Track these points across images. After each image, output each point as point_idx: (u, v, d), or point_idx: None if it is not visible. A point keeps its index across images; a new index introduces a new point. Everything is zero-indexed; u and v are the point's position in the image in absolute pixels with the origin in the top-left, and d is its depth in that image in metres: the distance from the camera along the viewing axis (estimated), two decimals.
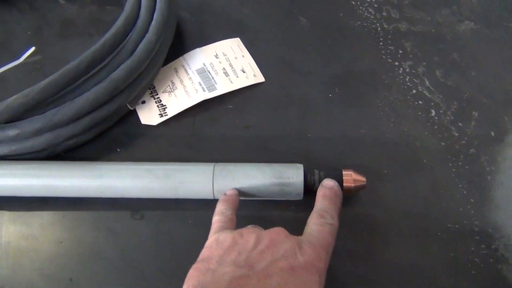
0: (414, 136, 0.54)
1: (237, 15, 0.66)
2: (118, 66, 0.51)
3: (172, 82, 0.58)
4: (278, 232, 0.38)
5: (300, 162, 0.47)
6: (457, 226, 0.48)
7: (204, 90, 0.56)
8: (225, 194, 0.45)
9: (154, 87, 0.58)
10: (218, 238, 0.39)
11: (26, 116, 0.48)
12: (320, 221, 0.40)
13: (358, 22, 0.65)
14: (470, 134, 0.54)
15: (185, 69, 0.59)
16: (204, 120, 0.56)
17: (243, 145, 0.54)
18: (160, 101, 0.56)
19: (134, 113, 0.56)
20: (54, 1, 0.68)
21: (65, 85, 0.48)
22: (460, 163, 0.52)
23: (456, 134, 0.54)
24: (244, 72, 0.59)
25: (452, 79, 0.59)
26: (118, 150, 0.53)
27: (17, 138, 0.48)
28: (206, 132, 0.55)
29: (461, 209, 0.49)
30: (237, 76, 0.58)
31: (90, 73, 0.50)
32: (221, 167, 0.47)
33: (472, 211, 0.49)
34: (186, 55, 0.61)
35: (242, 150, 0.53)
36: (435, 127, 0.55)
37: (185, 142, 0.54)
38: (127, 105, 0.53)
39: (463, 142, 0.53)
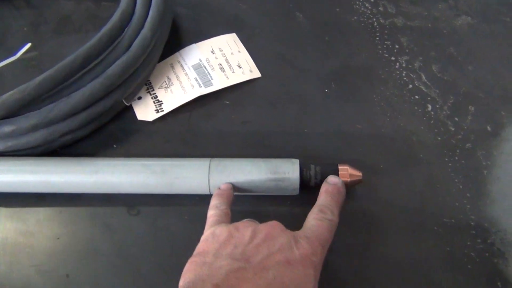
0: (411, 131, 0.54)
1: (233, 11, 0.66)
2: (113, 62, 0.51)
3: (168, 78, 0.58)
4: (274, 226, 0.38)
5: (296, 158, 0.47)
6: (453, 220, 0.48)
7: (200, 86, 0.56)
8: (219, 189, 0.45)
9: (150, 83, 0.57)
10: (214, 232, 0.39)
11: (22, 112, 0.48)
12: (320, 216, 0.40)
13: (355, 17, 0.65)
14: (467, 128, 0.54)
15: (181, 64, 0.59)
16: (200, 115, 0.56)
17: (239, 141, 0.54)
18: (156, 97, 0.56)
19: (130, 109, 0.56)
20: None
21: (60, 80, 0.48)
22: (456, 158, 0.52)
23: (453, 129, 0.54)
24: (240, 67, 0.59)
25: (448, 74, 0.59)
26: (115, 146, 0.53)
27: (13, 134, 0.48)
28: (202, 127, 0.55)
29: (457, 204, 0.49)
30: (233, 72, 0.58)
31: (86, 69, 0.50)
32: (216, 163, 0.47)
33: (468, 206, 0.49)
34: (182, 51, 0.61)
35: (239, 145, 0.53)
36: (432, 121, 0.55)
37: (181, 137, 0.54)
38: (123, 101, 0.53)
39: (460, 136, 0.53)
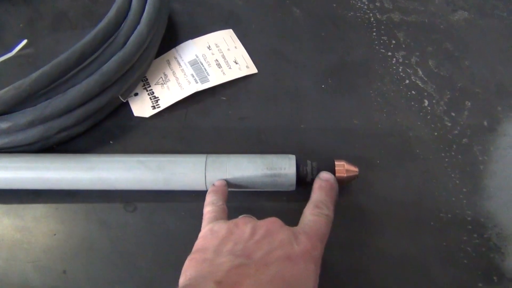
0: (407, 126, 0.54)
1: (229, 7, 0.66)
2: (109, 58, 0.51)
3: (165, 74, 0.58)
4: (273, 222, 0.38)
5: (293, 153, 0.47)
6: (449, 215, 0.48)
7: (196, 82, 0.56)
8: (213, 185, 0.45)
9: (147, 79, 0.57)
10: (213, 228, 0.39)
11: (18, 108, 0.48)
12: (316, 211, 0.41)
13: (351, 13, 0.65)
14: (463, 124, 0.54)
15: (177, 61, 0.59)
16: (196, 112, 0.56)
17: (236, 137, 0.54)
18: (153, 93, 0.56)
19: (126, 105, 0.56)
20: None
21: (56, 77, 0.48)
22: (452, 153, 0.52)
23: (449, 124, 0.54)
24: (236, 63, 0.59)
25: (445, 69, 0.59)
26: (111, 142, 0.53)
27: (9, 131, 0.48)
28: (199, 124, 0.55)
29: (453, 199, 0.49)
30: (230, 68, 0.58)
31: (82, 65, 0.50)
32: (213, 159, 0.47)
33: (465, 201, 0.49)
34: (179, 47, 0.60)
35: (235, 142, 0.53)
36: (428, 117, 0.55)
37: (178, 134, 0.54)
38: (120, 97, 0.53)
39: (456, 132, 0.54)
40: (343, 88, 0.57)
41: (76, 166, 0.47)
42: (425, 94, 0.57)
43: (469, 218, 0.48)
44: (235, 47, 0.61)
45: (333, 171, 0.46)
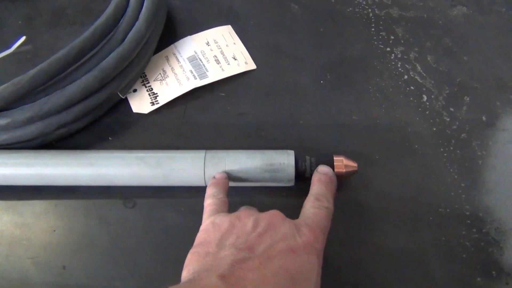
0: (406, 122, 0.54)
1: (228, 3, 0.66)
2: (108, 55, 0.51)
3: (164, 70, 0.58)
4: (275, 215, 0.38)
5: (292, 149, 0.48)
6: (448, 210, 0.48)
7: (195, 78, 0.56)
8: (214, 178, 0.45)
9: (146, 75, 0.57)
10: (214, 221, 0.39)
11: (17, 105, 0.48)
12: (317, 204, 0.41)
13: (350, 8, 0.65)
14: (462, 119, 0.54)
15: (176, 57, 0.59)
16: (195, 108, 0.56)
17: (234, 133, 0.54)
18: (152, 89, 0.56)
19: (125, 102, 0.56)
20: None
21: (55, 73, 0.48)
22: (451, 148, 0.52)
23: (448, 119, 0.54)
24: (235, 59, 0.59)
25: (444, 65, 0.59)
26: (110, 138, 0.53)
27: (8, 127, 0.48)
28: (198, 120, 0.55)
29: (452, 194, 0.49)
30: (229, 64, 0.58)
31: (80, 62, 0.50)
32: (212, 154, 0.47)
33: (464, 196, 0.49)
34: (177, 43, 0.60)
35: (234, 137, 0.53)
36: (427, 112, 0.55)
37: (177, 130, 0.54)
38: (118, 93, 0.53)
39: (455, 127, 0.54)
40: (342, 84, 0.57)
41: (75, 162, 0.47)
42: (424, 89, 0.57)
43: (467, 213, 0.48)
44: (234, 43, 0.61)
45: (332, 167, 0.46)
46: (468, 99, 0.56)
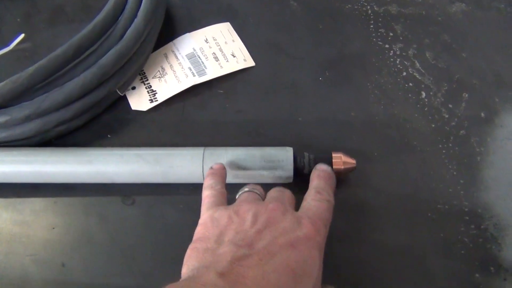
0: (404, 118, 0.54)
1: (227, 0, 0.66)
2: (107, 52, 0.51)
3: (162, 68, 0.58)
4: (275, 209, 0.37)
5: (290, 146, 0.48)
6: (446, 206, 0.48)
7: (194, 75, 0.56)
8: (211, 168, 0.45)
9: (144, 72, 0.57)
10: (213, 215, 0.38)
11: (15, 102, 0.48)
12: (318, 197, 0.40)
13: (349, 5, 0.65)
14: (460, 115, 0.54)
15: (175, 54, 0.59)
16: (194, 105, 0.56)
17: (233, 130, 0.54)
18: (150, 86, 0.56)
19: (124, 99, 0.56)
20: None
21: (53, 70, 0.48)
22: (450, 145, 0.52)
23: (446, 116, 0.54)
24: (234, 56, 0.59)
25: (442, 61, 0.59)
26: (109, 136, 0.53)
27: (7, 125, 0.48)
28: (196, 117, 0.55)
29: (450, 190, 0.49)
30: (227, 61, 0.58)
31: (79, 59, 0.50)
32: (210, 151, 0.47)
33: (462, 192, 0.49)
34: (176, 40, 0.60)
35: (233, 135, 0.53)
36: (426, 109, 0.55)
37: (176, 127, 0.54)
38: (117, 91, 0.53)
39: (453, 123, 0.54)
40: (341, 81, 0.57)
41: (74, 159, 0.48)
42: (423, 86, 0.57)
43: (466, 209, 0.48)
44: (233, 40, 0.61)
45: (330, 163, 0.46)
46: (466, 95, 0.56)
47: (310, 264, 0.35)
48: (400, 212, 0.48)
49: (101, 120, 0.55)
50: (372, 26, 0.63)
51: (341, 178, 0.47)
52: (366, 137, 0.53)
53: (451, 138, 0.52)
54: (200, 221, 0.39)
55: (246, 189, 0.43)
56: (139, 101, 0.55)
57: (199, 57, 0.58)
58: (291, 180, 0.47)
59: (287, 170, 0.46)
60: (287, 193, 0.42)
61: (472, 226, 0.47)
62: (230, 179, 0.46)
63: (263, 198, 0.42)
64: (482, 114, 0.54)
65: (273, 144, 0.48)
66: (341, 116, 0.54)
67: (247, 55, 0.59)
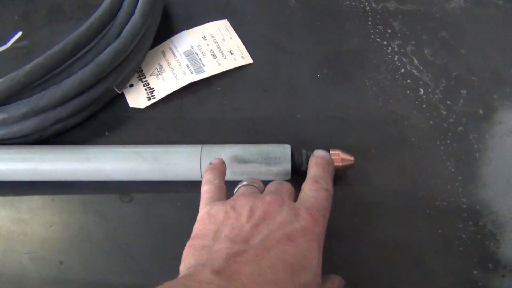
0: (402, 115, 0.54)
1: None
2: (104, 49, 0.51)
3: (160, 65, 0.58)
4: (272, 202, 0.37)
5: (288, 143, 0.48)
6: (444, 203, 0.48)
7: (191, 73, 0.56)
8: (210, 163, 0.44)
9: (142, 70, 0.57)
10: (210, 212, 0.38)
11: (12, 100, 0.48)
12: (315, 186, 0.40)
13: (347, 2, 0.65)
14: (459, 112, 0.54)
15: (172, 51, 0.59)
16: (192, 102, 0.56)
17: (231, 127, 0.54)
18: (148, 84, 0.56)
19: (122, 97, 0.56)
20: None
21: (50, 68, 0.48)
22: (448, 141, 0.52)
23: (445, 113, 0.54)
24: (232, 53, 0.59)
25: (441, 58, 0.59)
26: (107, 133, 0.53)
27: (4, 123, 0.48)
28: (194, 114, 0.55)
29: (449, 187, 0.49)
30: (225, 58, 0.58)
31: (76, 56, 0.50)
32: (208, 149, 0.47)
33: (460, 189, 0.49)
34: (174, 38, 0.60)
35: (231, 132, 0.53)
36: (424, 105, 0.55)
37: (173, 124, 0.54)
38: (115, 88, 0.53)
39: (451, 120, 0.54)
40: (339, 78, 0.57)
41: (72, 157, 0.48)
42: (421, 82, 0.57)
43: (464, 206, 0.48)
44: (230, 38, 0.61)
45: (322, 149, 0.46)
46: (465, 92, 0.56)
47: (308, 257, 0.34)
48: (398, 209, 0.48)
49: (98, 118, 0.55)
50: (370, 23, 0.63)
51: (339, 175, 0.47)
52: (364, 134, 0.53)
53: (449, 134, 0.52)
54: (198, 217, 0.39)
55: (245, 182, 0.42)
56: (137, 98, 0.55)
57: (197, 55, 0.58)
58: (289, 177, 0.47)
59: (285, 167, 0.46)
60: (286, 186, 0.41)
61: (470, 223, 0.47)
62: (228, 176, 0.46)
63: (262, 192, 0.41)
64: (481, 111, 0.54)
65: (271, 141, 0.48)
66: (339, 113, 0.54)
67: (245, 52, 0.59)
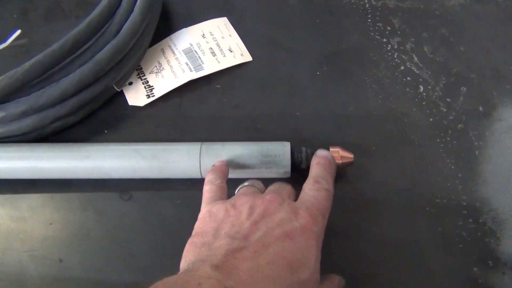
0: (402, 113, 0.54)
1: None
2: (103, 47, 0.51)
3: (159, 63, 0.58)
4: (271, 201, 0.37)
5: (288, 140, 0.47)
6: (444, 201, 0.48)
7: (191, 70, 0.56)
8: (213, 165, 0.45)
9: (141, 68, 0.57)
10: (211, 210, 0.38)
11: (11, 98, 0.48)
12: (316, 186, 0.40)
13: None
14: (458, 109, 0.54)
15: (171, 49, 0.59)
16: (191, 100, 0.55)
17: (231, 125, 0.54)
18: (147, 82, 0.56)
19: (121, 95, 0.56)
20: None
21: (49, 66, 0.47)
22: (448, 139, 0.52)
23: (444, 110, 0.54)
24: (231, 51, 0.59)
25: (440, 55, 0.59)
26: (106, 131, 0.53)
27: (3, 121, 0.48)
28: (194, 112, 0.55)
29: (449, 184, 0.49)
30: (224, 56, 0.58)
31: (75, 54, 0.50)
32: (207, 146, 0.47)
33: (460, 186, 0.49)
34: (173, 36, 0.60)
35: (230, 130, 0.53)
36: (423, 103, 0.55)
37: (173, 122, 0.54)
38: (114, 86, 0.53)
39: (451, 117, 0.53)
40: (338, 75, 0.57)
41: (71, 155, 0.47)
42: (421, 80, 0.56)
43: (464, 203, 0.48)
44: (230, 35, 0.61)
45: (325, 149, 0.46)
46: (465, 89, 0.56)
47: (307, 254, 0.34)
48: (398, 206, 0.48)
49: (98, 116, 0.55)
50: (369, 20, 0.62)
51: (339, 172, 0.47)
52: (364, 131, 0.53)
53: (449, 132, 0.52)
54: (199, 216, 0.39)
55: (246, 183, 0.43)
56: (136, 96, 0.55)
57: (196, 52, 0.58)
58: (288, 175, 0.47)
59: (285, 165, 0.46)
60: (287, 187, 0.42)
61: (470, 220, 0.47)
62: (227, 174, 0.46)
63: (263, 192, 0.42)
64: (480, 108, 0.54)
65: (270, 139, 0.48)
66: (339, 110, 0.54)
67: (244, 50, 0.59)
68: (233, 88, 0.56)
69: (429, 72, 0.57)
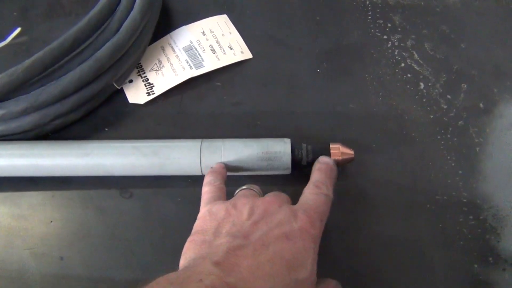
0: (403, 110, 0.54)
1: None
2: (103, 45, 0.51)
3: (159, 61, 0.57)
4: (271, 202, 0.38)
5: (288, 137, 0.47)
6: (445, 197, 0.48)
7: (191, 68, 0.56)
8: (212, 168, 0.45)
9: (141, 65, 0.57)
10: (211, 209, 0.39)
11: (12, 96, 0.48)
12: (316, 190, 0.41)
13: None
14: (459, 106, 0.54)
15: (171, 47, 0.59)
16: (191, 97, 0.55)
17: (231, 122, 0.54)
18: (147, 79, 0.56)
19: (121, 92, 0.55)
20: None
21: (49, 63, 0.47)
22: (448, 136, 0.52)
23: (445, 107, 0.54)
24: (231, 49, 0.59)
25: (441, 52, 0.59)
26: (106, 129, 0.53)
27: (3, 119, 0.48)
28: (194, 109, 0.55)
29: (449, 181, 0.49)
30: (225, 53, 0.58)
31: (75, 52, 0.50)
32: (208, 143, 0.47)
33: (461, 183, 0.49)
34: (173, 33, 0.60)
35: (230, 127, 0.53)
36: (424, 100, 0.54)
37: (173, 120, 0.54)
38: (114, 84, 0.53)
39: (452, 114, 0.53)
40: (339, 72, 0.57)
41: (71, 152, 0.47)
42: (421, 77, 0.56)
43: (465, 200, 0.48)
44: (230, 33, 0.60)
45: (328, 154, 0.46)
46: (465, 86, 0.56)
47: (304, 255, 0.35)
48: (398, 203, 0.48)
49: (98, 114, 0.55)
50: (370, 17, 0.62)
51: (339, 169, 0.47)
52: (365, 128, 0.53)
53: (450, 129, 0.52)
54: (199, 215, 0.40)
55: (244, 187, 0.44)
56: (136, 94, 0.55)
57: (196, 50, 0.58)
58: (289, 172, 0.47)
59: (285, 162, 0.46)
60: (285, 195, 0.42)
61: (471, 217, 0.47)
62: (228, 171, 0.46)
63: (261, 196, 0.43)
64: (481, 105, 0.54)
65: (271, 135, 0.48)
66: (339, 107, 0.54)
67: (244, 47, 0.59)
68: (233, 85, 0.56)
69: (430, 69, 0.57)
